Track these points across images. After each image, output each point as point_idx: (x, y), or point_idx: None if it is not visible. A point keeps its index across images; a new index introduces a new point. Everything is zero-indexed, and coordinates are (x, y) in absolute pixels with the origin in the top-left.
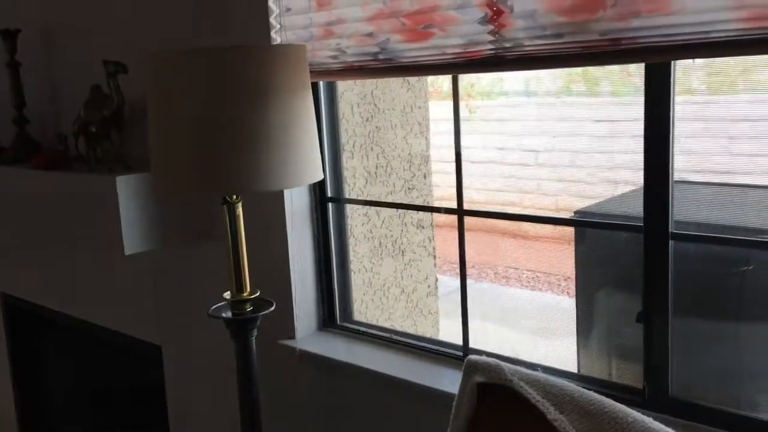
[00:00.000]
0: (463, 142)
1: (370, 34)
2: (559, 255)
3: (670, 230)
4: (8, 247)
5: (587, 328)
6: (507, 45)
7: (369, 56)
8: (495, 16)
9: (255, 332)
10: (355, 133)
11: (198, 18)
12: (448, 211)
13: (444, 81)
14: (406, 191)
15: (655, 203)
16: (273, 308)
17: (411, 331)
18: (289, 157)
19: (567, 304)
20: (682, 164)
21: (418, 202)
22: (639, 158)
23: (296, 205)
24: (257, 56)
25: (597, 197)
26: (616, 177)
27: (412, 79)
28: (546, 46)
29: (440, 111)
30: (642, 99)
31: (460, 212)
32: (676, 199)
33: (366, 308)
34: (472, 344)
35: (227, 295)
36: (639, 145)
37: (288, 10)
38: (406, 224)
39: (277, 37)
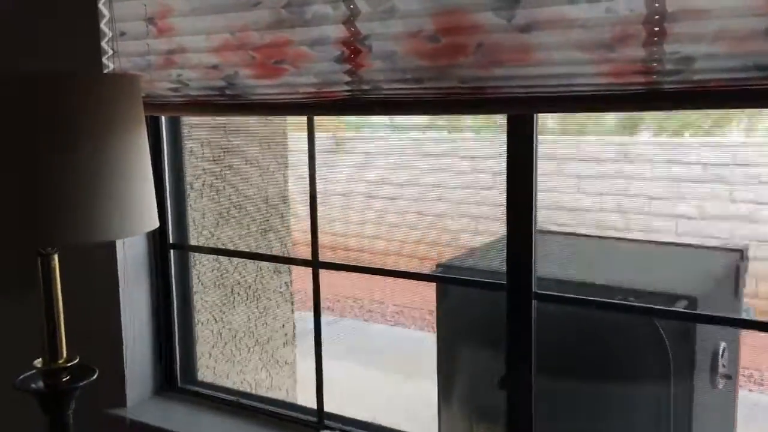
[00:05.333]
0: (330, 175)
1: (215, 67)
2: (423, 289)
3: (533, 290)
4: None
5: (449, 389)
6: (365, 87)
7: (215, 91)
8: (352, 55)
9: (73, 405)
10: (205, 171)
11: (21, 40)
12: (302, 263)
13: None
14: (262, 233)
15: (518, 260)
16: (95, 377)
17: (266, 383)
18: (117, 203)
19: (431, 341)
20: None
21: (275, 244)
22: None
23: (131, 254)
24: (77, 86)
25: (460, 231)
26: (478, 212)
27: None
28: (405, 91)
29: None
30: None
31: (315, 264)
32: (540, 253)
33: (215, 363)
34: (337, 398)
35: (38, 362)
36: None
37: (123, 34)
38: (261, 269)
39: (109, 64)
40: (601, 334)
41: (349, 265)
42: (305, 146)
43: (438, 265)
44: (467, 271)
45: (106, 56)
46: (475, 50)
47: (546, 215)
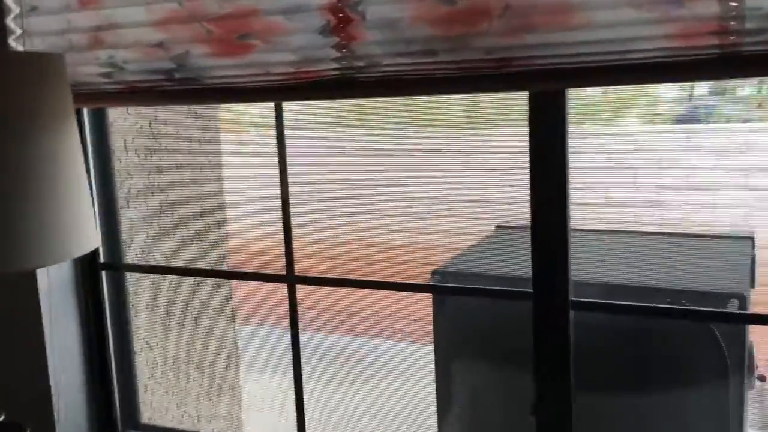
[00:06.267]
0: (240, 177)
1: (160, 45)
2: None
3: (569, 298)
4: None
5: (450, 412)
6: (358, 64)
7: (160, 75)
8: (341, 24)
9: None
10: (131, 175)
11: None
12: (275, 278)
13: (241, 108)
14: (197, 244)
15: (547, 265)
16: None
17: (209, 414)
18: (45, 220)
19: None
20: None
21: (212, 255)
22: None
23: (56, 279)
24: None
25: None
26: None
27: (199, 106)
28: (412, 67)
29: (232, 144)
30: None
31: (291, 280)
32: (572, 253)
33: (152, 395)
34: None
35: None
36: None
37: (33, 9)
38: (198, 284)
39: (17, 46)
40: (646, 342)
41: (332, 279)
42: (237, 146)
43: (434, 273)
44: (468, 277)
45: (13, 36)
46: (502, 13)
47: (452, 209)
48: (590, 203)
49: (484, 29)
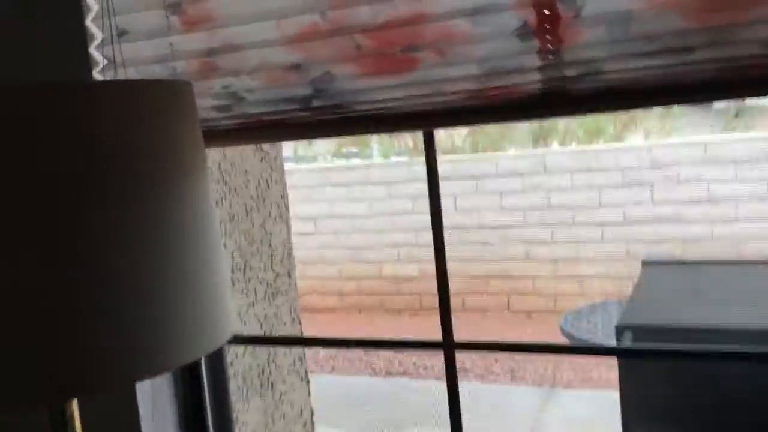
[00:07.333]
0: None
1: (295, 67)
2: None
3: None
4: None
5: None
6: (571, 73)
7: (293, 104)
8: (546, 24)
9: None
10: None
11: None
12: (430, 345)
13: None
14: (269, 298)
15: None
16: None
17: None
18: (190, 303)
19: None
20: None
21: (284, 309)
22: None
23: None
24: (108, 104)
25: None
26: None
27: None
28: (652, 71)
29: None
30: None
31: (449, 346)
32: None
33: None
34: None
35: None
36: None
37: (123, 34)
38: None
39: (103, 79)
40: None
41: (495, 344)
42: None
43: (620, 330)
44: (661, 332)
45: (98, 68)
46: None
47: (465, 236)
48: None
49: (761, 15)
